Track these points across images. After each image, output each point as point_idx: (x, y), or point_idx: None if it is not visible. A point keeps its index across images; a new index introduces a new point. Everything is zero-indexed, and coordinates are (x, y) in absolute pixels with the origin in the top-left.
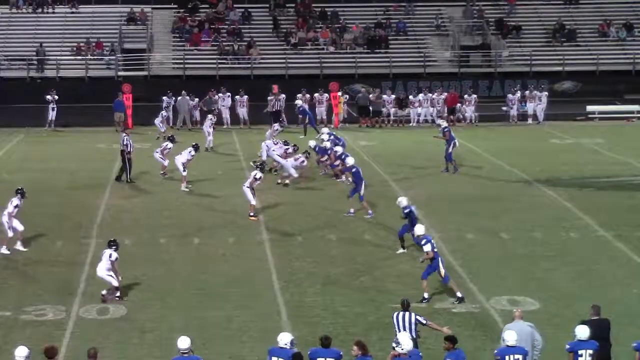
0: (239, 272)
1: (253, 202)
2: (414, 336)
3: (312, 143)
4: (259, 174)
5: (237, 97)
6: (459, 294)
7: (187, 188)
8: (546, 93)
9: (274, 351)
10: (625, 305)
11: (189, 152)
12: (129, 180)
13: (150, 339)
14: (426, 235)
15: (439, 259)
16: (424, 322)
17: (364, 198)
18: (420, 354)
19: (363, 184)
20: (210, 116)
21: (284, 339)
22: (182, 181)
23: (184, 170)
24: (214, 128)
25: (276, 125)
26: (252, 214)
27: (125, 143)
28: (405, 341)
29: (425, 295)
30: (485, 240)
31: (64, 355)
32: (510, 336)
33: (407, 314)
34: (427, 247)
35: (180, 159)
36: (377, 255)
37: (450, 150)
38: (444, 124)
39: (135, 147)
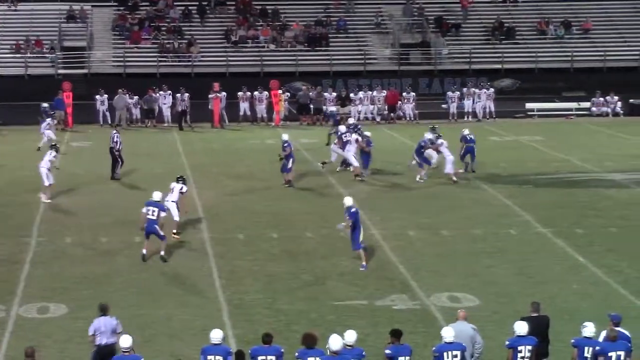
0: (179, 271)
1: (177, 218)
2: (114, 341)
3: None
4: (185, 188)
5: (178, 95)
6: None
7: (48, 200)
8: (485, 90)
9: (208, 350)
10: (564, 301)
11: (50, 154)
12: (115, 177)
13: None
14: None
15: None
16: (119, 331)
17: None
18: (364, 353)
19: None
20: (49, 120)
21: (217, 335)
22: (42, 191)
23: (48, 178)
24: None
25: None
26: (175, 231)
27: (115, 140)
28: (333, 341)
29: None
30: (426, 237)
31: (4, 354)
32: (447, 333)
33: (107, 318)
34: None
35: (42, 163)
36: (319, 253)
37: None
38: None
39: (75, 146)
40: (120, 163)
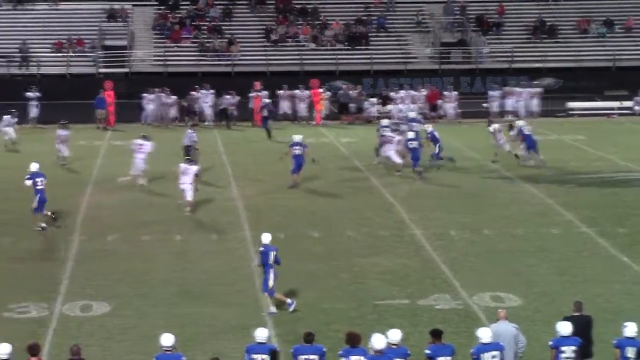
0: (221, 270)
1: (191, 199)
2: None
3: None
4: (199, 170)
5: (228, 96)
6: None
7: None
8: (530, 89)
9: (253, 348)
10: (607, 302)
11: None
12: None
13: (133, 335)
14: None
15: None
16: None
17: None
18: (409, 352)
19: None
20: (8, 117)
21: (262, 334)
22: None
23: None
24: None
25: None
26: (189, 209)
27: (194, 140)
28: (376, 340)
29: None
30: (468, 237)
31: (47, 353)
32: (484, 334)
33: None
34: None
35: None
36: (358, 252)
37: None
38: (521, 123)
39: (117, 145)
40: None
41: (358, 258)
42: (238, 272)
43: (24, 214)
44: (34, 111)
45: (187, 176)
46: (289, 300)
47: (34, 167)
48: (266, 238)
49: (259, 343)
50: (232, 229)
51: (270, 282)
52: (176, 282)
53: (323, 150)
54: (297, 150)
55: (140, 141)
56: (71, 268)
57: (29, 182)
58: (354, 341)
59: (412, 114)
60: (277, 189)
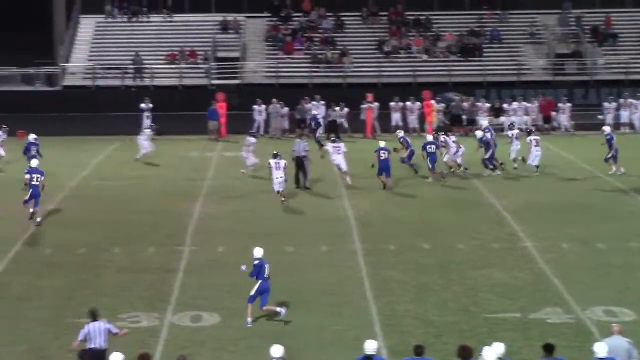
0: (331, 281)
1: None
2: (105, 346)
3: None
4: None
5: (337, 108)
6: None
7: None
8: None
9: None
10: None
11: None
12: (306, 186)
13: (244, 346)
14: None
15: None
16: (115, 331)
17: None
18: None
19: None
20: (148, 130)
21: (371, 346)
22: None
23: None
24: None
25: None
26: (284, 199)
27: (307, 149)
28: (487, 354)
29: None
30: (580, 250)
31: None
32: (600, 348)
33: (97, 323)
34: None
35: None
36: (470, 264)
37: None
38: (608, 129)
39: (228, 156)
40: (306, 173)
41: (469, 270)
42: (348, 284)
43: (135, 225)
44: (146, 123)
45: (279, 170)
46: (278, 309)
47: (34, 163)
48: (258, 252)
49: (368, 355)
50: (343, 240)
51: (253, 292)
52: (286, 293)
53: None
54: (383, 155)
55: (335, 144)
56: (181, 278)
57: (27, 176)
58: (465, 354)
59: (484, 122)
60: (387, 200)
